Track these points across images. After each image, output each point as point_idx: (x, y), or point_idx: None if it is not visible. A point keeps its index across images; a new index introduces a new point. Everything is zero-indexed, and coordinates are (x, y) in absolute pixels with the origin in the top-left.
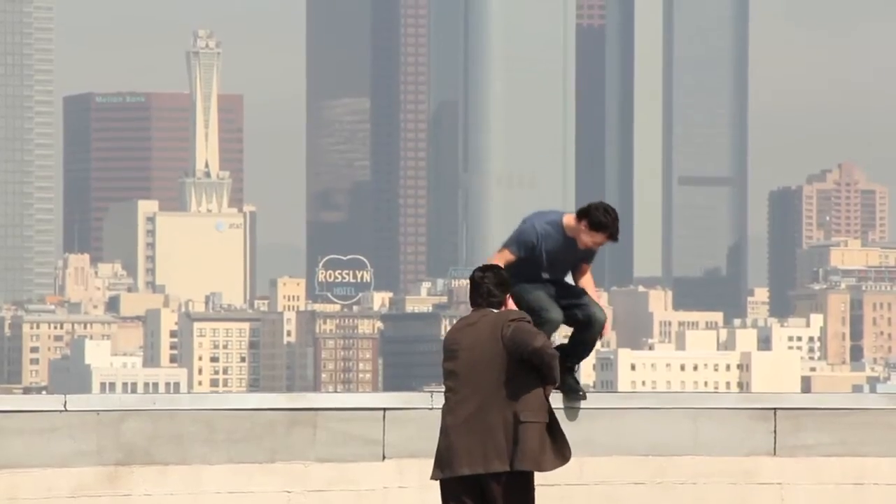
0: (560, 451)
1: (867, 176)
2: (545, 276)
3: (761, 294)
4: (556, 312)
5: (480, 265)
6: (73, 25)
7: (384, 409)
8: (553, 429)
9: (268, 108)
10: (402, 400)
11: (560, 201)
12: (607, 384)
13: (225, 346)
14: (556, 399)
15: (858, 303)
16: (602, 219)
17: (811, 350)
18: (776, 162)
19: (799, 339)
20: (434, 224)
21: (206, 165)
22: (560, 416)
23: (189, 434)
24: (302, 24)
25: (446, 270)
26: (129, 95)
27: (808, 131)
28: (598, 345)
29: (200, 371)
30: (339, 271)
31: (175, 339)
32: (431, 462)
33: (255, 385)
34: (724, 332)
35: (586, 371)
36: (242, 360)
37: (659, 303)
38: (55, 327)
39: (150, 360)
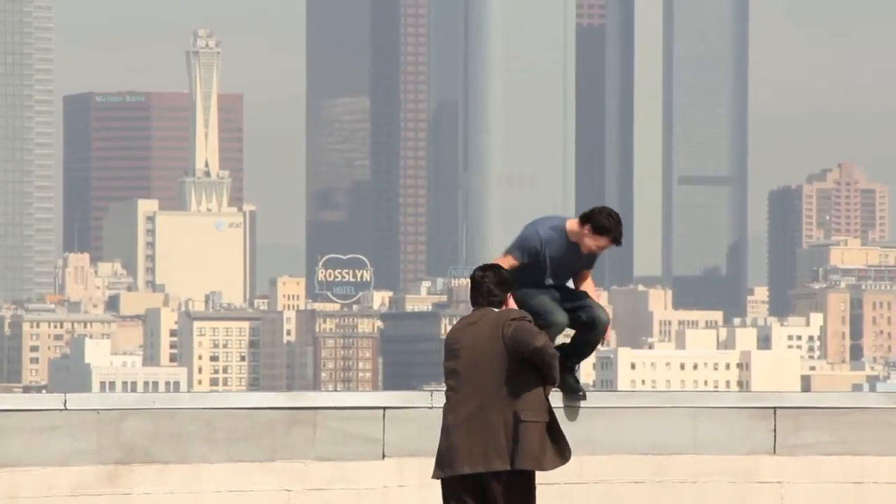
0: (560, 451)
1: (867, 175)
2: (549, 281)
3: (761, 293)
4: (561, 316)
5: (481, 264)
6: (73, 25)
7: (384, 408)
8: (553, 429)
9: (268, 107)
10: (401, 399)
11: (560, 201)
12: (607, 383)
13: (225, 346)
14: (556, 398)
15: (858, 302)
16: (606, 222)
17: (811, 349)
18: (776, 161)
19: (799, 338)
20: (434, 223)
21: (206, 165)
22: (560, 415)
23: (189, 433)
24: (302, 23)
25: (446, 270)
26: (129, 95)
27: (808, 131)
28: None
29: (200, 370)
30: (339, 270)
31: (175, 339)
32: (431, 461)
33: (254, 384)
34: (723, 332)
35: (586, 370)
36: (242, 359)
37: (659, 302)
38: (55, 326)
39: (150, 359)
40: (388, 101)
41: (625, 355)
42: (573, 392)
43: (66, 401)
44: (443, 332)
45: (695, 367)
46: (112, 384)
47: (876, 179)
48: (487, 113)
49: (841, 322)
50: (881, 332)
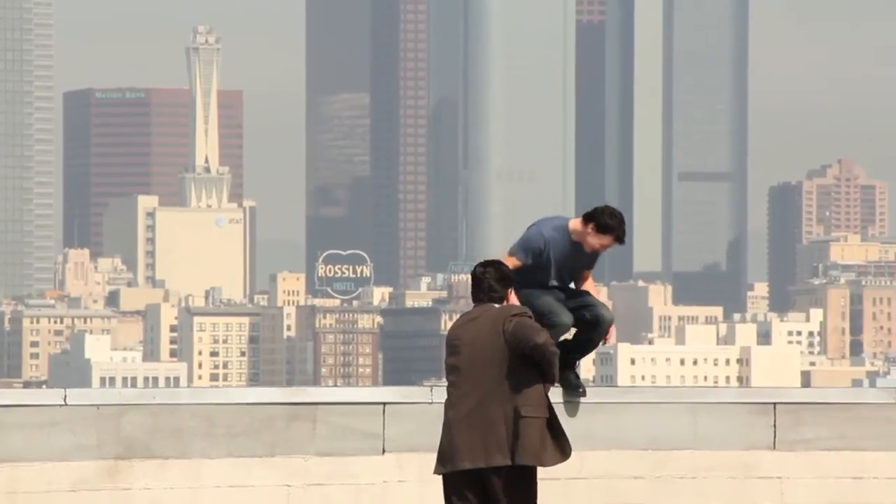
0: (561, 447)
1: (867, 172)
2: (553, 282)
3: (761, 289)
4: (565, 317)
5: (482, 260)
6: (73, 21)
7: (384, 404)
8: (553, 425)
9: (267, 103)
10: (401, 394)
11: (560, 197)
12: (607, 379)
13: (225, 341)
14: (556, 394)
15: (858, 297)
16: (609, 221)
17: (811, 345)
18: (776, 157)
19: (798, 333)
20: (434, 219)
21: (206, 161)
22: (560, 410)
23: (189, 428)
24: (301, 19)
25: (446, 265)
26: (129, 91)
27: (808, 128)
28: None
29: (200, 365)
30: (339, 266)
31: (175, 334)
32: (431, 456)
33: (254, 379)
34: (723, 327)
35: (586, 366)
36: (242, 354)
37: (659, 297)
38: (55, 322)
39: (150, 354)
40: (387, 98)
41: (625, 351)
42: (573, 389)
43: (66, 396)
44: (443, 327)
45: (695, 362)
46: (112, 379)
47: (876, 176)
48: (487, 109)
49: (841, 318)
50: (881, 327)
